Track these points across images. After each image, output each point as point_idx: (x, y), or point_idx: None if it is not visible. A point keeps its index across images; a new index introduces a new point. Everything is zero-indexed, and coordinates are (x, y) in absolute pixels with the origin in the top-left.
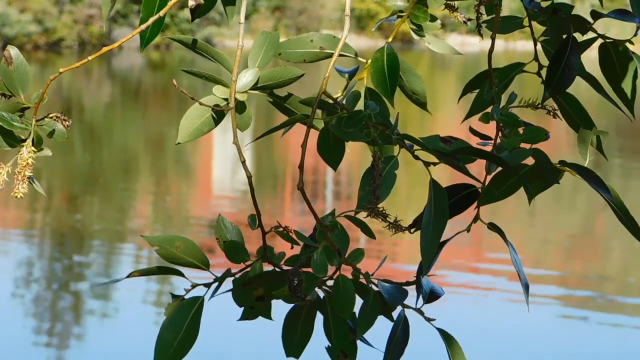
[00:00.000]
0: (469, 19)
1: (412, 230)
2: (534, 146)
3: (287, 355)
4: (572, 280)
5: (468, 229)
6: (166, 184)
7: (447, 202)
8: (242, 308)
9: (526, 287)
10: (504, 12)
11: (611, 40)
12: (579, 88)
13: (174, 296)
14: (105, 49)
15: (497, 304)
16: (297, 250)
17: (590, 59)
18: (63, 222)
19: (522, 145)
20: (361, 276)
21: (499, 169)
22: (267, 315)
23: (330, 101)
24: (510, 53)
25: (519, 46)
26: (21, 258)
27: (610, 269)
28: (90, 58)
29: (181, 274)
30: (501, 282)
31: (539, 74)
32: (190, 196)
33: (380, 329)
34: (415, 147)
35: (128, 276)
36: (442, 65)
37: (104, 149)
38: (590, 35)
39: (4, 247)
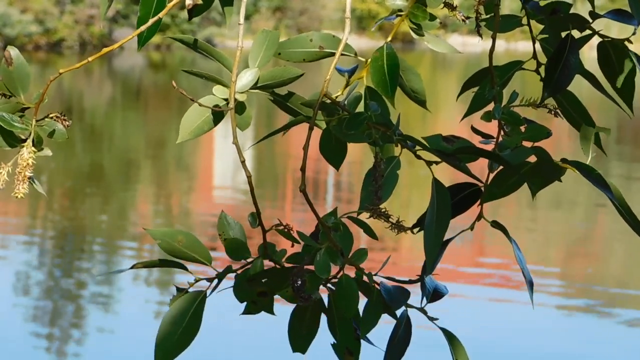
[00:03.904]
0: (468, 17)
1: (415, 230)
2: (535, 144)
3: (294, 351)
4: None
5: (472, 227)
6: (168, 183)
7: (450, 201)
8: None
9: (530, 285)
10: (504, 12)
11: (610, 39)
12: (581, 86)
13: (178, 289)
14: (105, 49)
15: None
16: (297, 248)
17: (591, 57)
18: (66, 219)
19: (524, 143)
20: (364, 276)
21: (501, 167)
22: (270, 310)
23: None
24: (511, 53)
25: (520, 47)
26: (25, 253)
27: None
28: (90, 59)
29: (184, 267)
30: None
31: (537, 71)
32: (194, 194)
33: (388, 327)
34: (417, 147)
35: (132, 267)
36: (443, 65)
37: (105, 148)
38: (588, 32)
39: (5, 250)
